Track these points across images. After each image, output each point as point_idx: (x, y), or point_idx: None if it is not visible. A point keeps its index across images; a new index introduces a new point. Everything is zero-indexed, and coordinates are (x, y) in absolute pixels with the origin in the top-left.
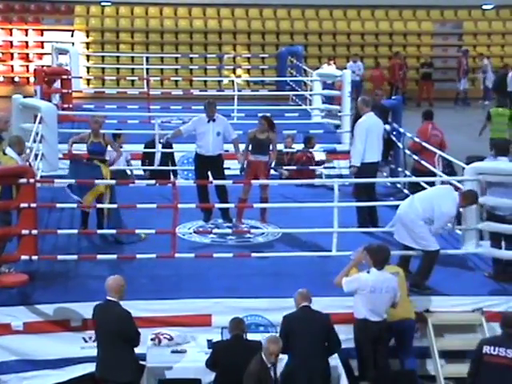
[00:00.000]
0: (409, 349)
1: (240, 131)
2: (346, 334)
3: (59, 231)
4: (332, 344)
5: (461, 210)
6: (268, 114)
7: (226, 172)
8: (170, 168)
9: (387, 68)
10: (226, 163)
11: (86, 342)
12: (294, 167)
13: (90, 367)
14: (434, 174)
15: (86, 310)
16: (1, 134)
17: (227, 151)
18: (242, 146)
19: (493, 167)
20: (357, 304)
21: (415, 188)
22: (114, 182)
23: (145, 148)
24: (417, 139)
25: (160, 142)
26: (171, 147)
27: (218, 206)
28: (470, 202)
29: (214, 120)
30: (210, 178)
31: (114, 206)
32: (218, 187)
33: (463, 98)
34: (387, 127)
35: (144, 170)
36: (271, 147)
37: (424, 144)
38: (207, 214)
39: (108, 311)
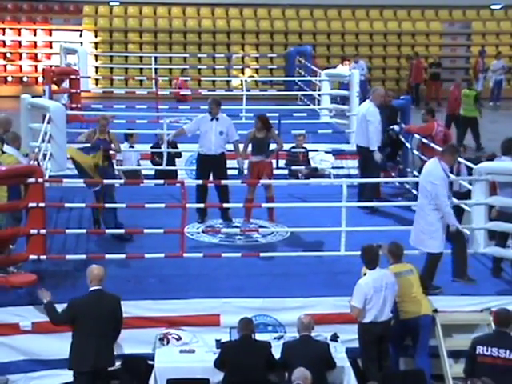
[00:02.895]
0: (423, 347)
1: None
2: (353, 334)
3: (68, 231)
4: (329, 368)
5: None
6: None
7: (229, 172)
8: (175, 168)
9: (409, 69)
10: (229, 163)
11: None
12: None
13: None
14: None
15: None
16: (2, 136)
17: (230, 151)
18: (241, 147)
19: (502, 167)
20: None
21: None
22: (122, 181)
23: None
24: (425, 140)
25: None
26: (176, 147)
27: (226, 205)
28: (452, 155)
29: (217, 119)
30: (210, 178)
31: (123, 205)
32: (219, 187)
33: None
34: (396, 127)
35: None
36: (271, 146)
37: (425, 141)
38: (202, 215)
39: (101, 300)
